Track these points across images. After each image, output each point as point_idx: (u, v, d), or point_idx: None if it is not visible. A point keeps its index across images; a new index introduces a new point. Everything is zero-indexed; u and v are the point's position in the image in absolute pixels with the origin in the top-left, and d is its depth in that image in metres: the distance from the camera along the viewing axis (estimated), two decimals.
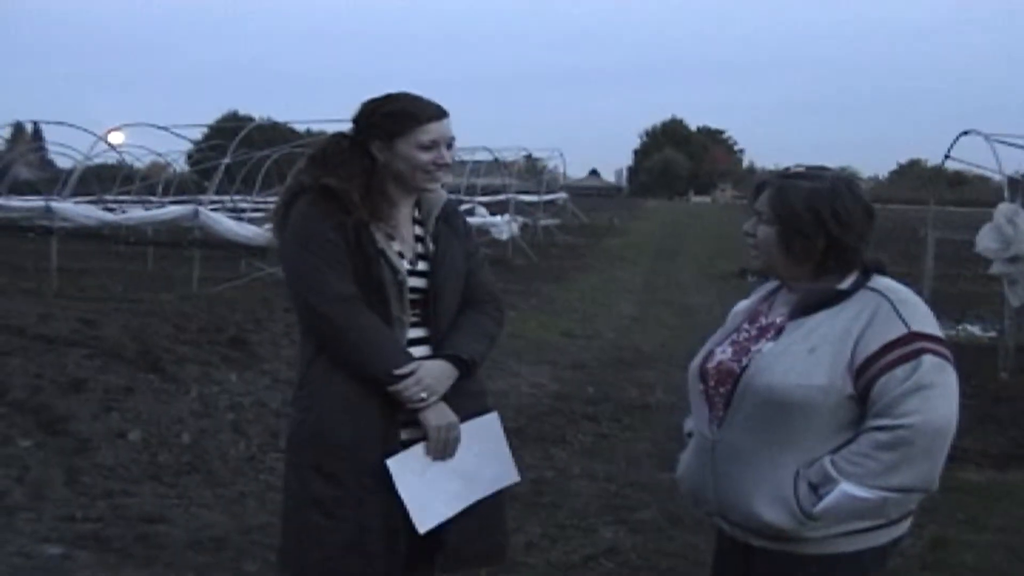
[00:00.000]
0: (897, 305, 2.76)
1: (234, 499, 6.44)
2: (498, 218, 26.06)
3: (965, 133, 13.80)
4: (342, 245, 3.21)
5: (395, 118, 3.28)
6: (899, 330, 2.71)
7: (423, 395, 3.21)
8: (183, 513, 6.10)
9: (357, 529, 3.21)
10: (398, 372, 3.18)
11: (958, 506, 6.44)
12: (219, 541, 5.66)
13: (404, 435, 3.26)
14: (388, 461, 3.18)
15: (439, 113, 3.32)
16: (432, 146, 3.28)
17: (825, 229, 2.81)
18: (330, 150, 3.36)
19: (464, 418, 3.32)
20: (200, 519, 6.01)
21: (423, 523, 3.22)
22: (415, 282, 3.32)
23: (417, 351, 3.30)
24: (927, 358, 2.68)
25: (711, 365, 2.99)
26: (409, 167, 3.29)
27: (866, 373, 2.70)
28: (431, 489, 3.25)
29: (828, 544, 2.78)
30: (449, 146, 3.34)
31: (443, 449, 3.27)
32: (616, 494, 6.76)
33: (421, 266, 3.36)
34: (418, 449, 3.25)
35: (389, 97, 3.35)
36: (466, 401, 3.35)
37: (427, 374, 3.22)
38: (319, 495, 3.23)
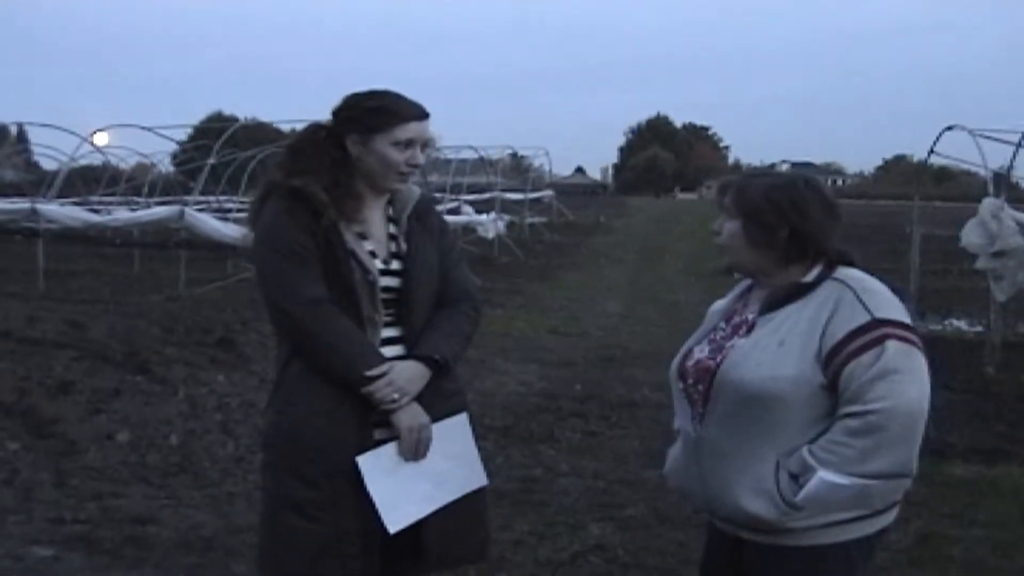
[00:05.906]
0: (860, 294, 2.82)
1: (223, 499, 6.44)
2: (484, 216, 26.08)
3: (950, 128, 13.83)
4: (312, 247, 3.17)
5: (376, 113, 3.25)
6: (863, 318, 2.77)
7: (395, 396, 3.19)
8: (172, 514, 6.09)
9: (333, 531, 3.19)
10: (369, 374, 3.16)
11: (944, 501, 6.48)
12: (208, 541, 5.66)
13: (378, 435, 3.24)
14: (358, 458, 3.16)
15: (420, 113, 3.29)
16: (408, 145, 3.25)
17: (785, 218, 2.90)
18: (305, 141, 3.32)
19: (440, 417, 3.30)
20: (189, 520, 6.01)
21: (393, 523, 3.20)
22: (388, 281, 3.29)
23: (391, 350, 3.27)
24: (891, 343, 2.73)
25: (690, 364, 3.04)
26: (381, 165, 3.25)
27: (834, 361, 2.76)
28: (402, 489, 3.23)
29: (815, 535, 2.81)
30: (424, 148, 3.31)
31: (415, 450, 3.25)
32: (604, 491, 6.78)
33: (394, 265, 3.32)
34: (390, 448, 3.23)
35: (373, 93, 3.32)
36: (443, 400, 3.34)
37: (399, 375, 3.20)
38: (294, 497, 3.21)
